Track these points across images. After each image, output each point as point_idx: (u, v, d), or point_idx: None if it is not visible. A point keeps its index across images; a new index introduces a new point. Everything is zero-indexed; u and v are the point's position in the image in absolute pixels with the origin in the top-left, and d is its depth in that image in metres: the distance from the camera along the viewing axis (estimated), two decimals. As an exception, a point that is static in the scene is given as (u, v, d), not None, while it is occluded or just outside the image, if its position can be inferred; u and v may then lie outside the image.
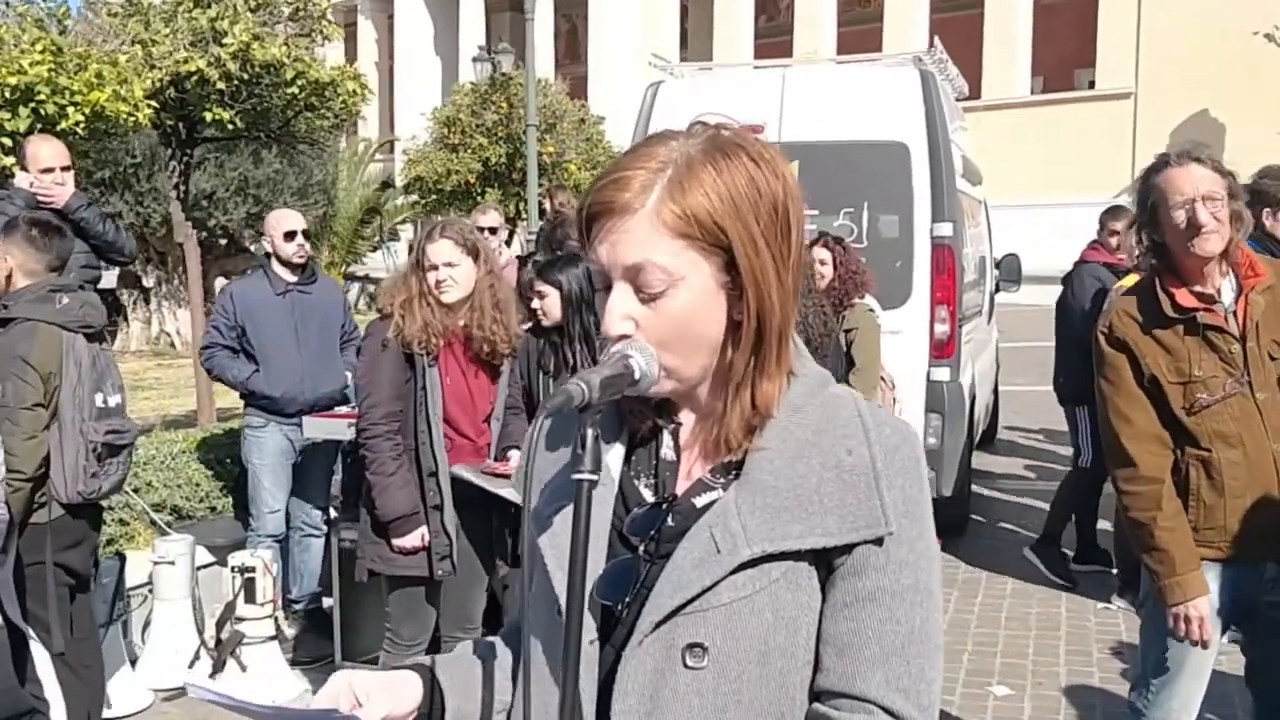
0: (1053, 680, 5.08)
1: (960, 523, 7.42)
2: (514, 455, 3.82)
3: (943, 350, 6.77)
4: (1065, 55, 30.08)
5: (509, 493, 3.68)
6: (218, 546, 5.59)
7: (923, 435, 6.77)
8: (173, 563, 5.02)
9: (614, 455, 1.34)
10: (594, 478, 1.19)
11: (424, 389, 3.81)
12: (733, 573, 1.21)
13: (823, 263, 5.68)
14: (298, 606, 5.64)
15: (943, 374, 6.79)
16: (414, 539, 3.85)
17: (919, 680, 1.23)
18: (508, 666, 1.46)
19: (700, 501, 1.27)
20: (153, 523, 5.67)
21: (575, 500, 1.19)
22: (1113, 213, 6.42)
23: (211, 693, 1.33)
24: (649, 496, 1.31)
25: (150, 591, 5.13)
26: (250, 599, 4.96)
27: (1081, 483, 6.45)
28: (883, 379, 5.95)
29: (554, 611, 1.26)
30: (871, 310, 5.76)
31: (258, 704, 1.30)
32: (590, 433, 1.19)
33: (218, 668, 4.94)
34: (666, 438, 1.33)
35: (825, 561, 1.24)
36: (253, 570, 4.96)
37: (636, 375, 1.22)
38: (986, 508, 8.10)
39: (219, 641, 5.06)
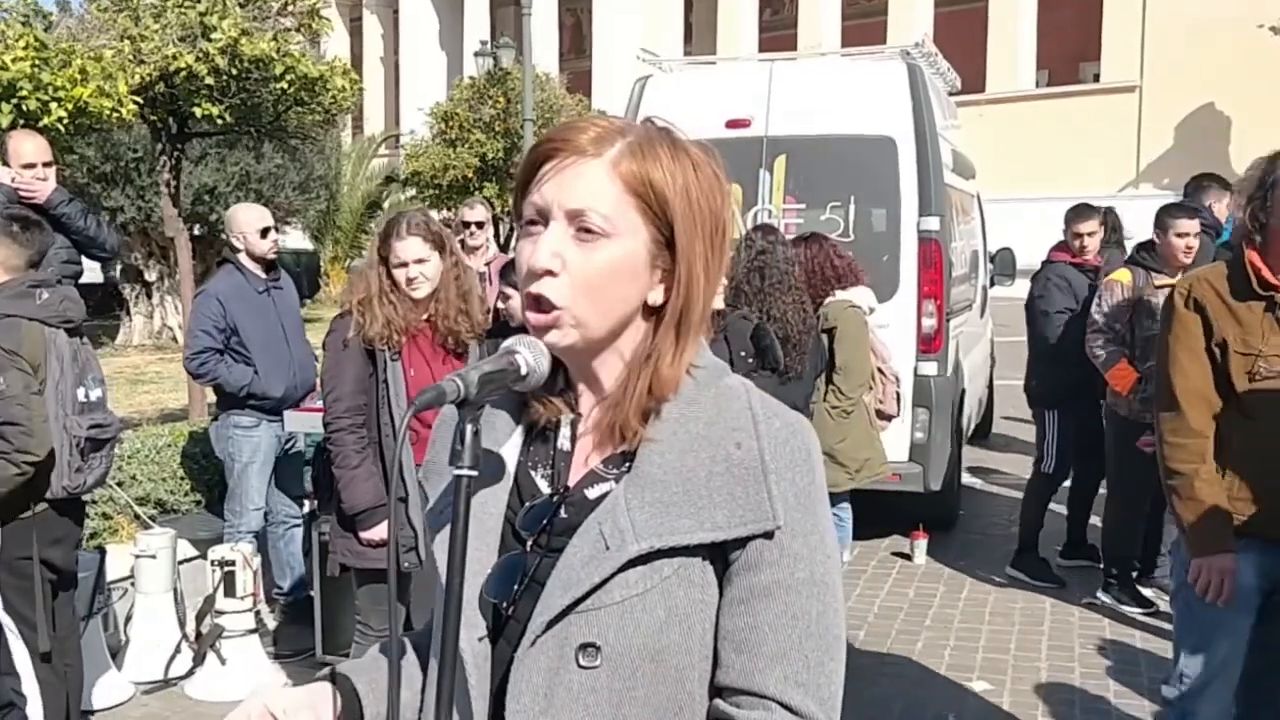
0: (1033, 676, 5.07)
1: (949, 517, 7.42)
2: None
3: (930, 344, 6.76)
4: (1070, 48, 29.98)
5: None
6: (200, 540, 5.61)
7: (910, 430, 6.76)
8: (154, 556, 5.04)
9: (511, 446, 1.34)
10: (473, 473, 1.19)
11: (386, 383, 3.81)
12: (623, 570, 1.21)
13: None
14: (286, 598, 5.65)
15: (930, 368, 6.78)
16: (380, 531, 3.86)
17: (818, 674, 1.23)
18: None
19: (592, 493, 1.27)
20: (136, 516, 5.68)
21: (454, 495, 1.20)
22: (1078, 212, 6.35)
23: None
24: (545, 488, 1.31)
25: (132, 585, 5.15)
26: (230, 592, 4.97)
27: (1043, 487, 6.46)
28: (882, 372, 5.91)
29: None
30: (854, 306, 5.67)
31: None
32: (469, 428, 1.19)
33: (198, 661, 4.96)
34: (564, 428, 1.33)
35: (721, 556, 1.24)
36: (232, 564, 4.96)
37: (523, 371, 1.22)
38: (978, 502, 8.10)
39: (199, 635, 5.08)
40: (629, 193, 1.23)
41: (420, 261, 3.78)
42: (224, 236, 18.46)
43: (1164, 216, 5.60)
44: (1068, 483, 6.57)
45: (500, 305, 4.30)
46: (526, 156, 1.29)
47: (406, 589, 4.00)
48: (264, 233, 5.43)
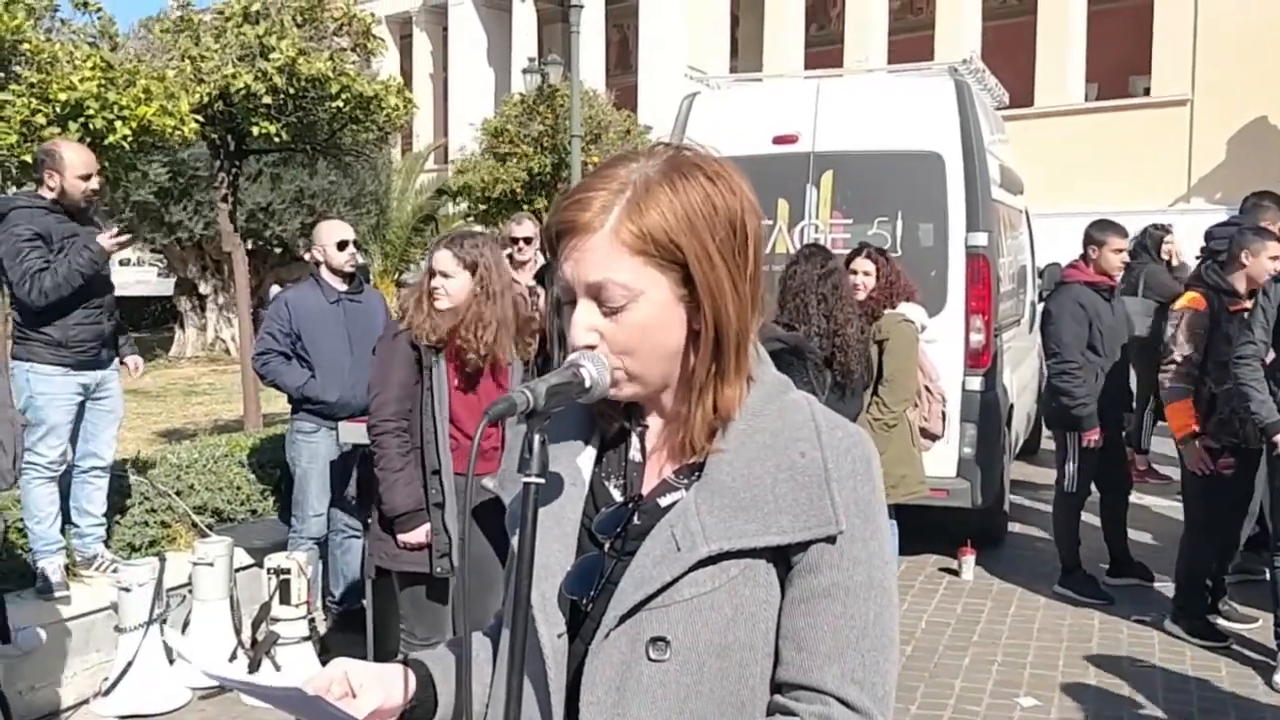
0: (1081, 692, 5.05)
1: (997, 533, 7.39)
2: None
3: (978, 360, 6.76)
4: (1120, 62, 29.68)
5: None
6: (256, 548, 5.72)
7: (958, 445, 6.75)
8: (211, 564, 5.16)
9: (585, 457, 1.41)
10: (540, 481, 1.26)
11: (431, 390, 3.95)
12: (693, 569, 1.27)
13: (866, 273, 5.67)
14: (340, 607, 5.75)
15: (978, 383, 6.78)
16: (419, 535, 3.98)
17: (873, 672, 1.28)
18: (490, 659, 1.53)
19: (664, 501, 1.34)
20: (194, 525, 5.81)
21: (523, 502, 1.27)
22: (1114, 229, 6.30)
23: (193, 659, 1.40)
24: (617, 496, 1.38)
25: (190, 592, 5.26)
26: (285, 600, 5.08)
27: (1067, 507, 6.42)
28: (929, 390, 5.92)
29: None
30: (908, 321, 5.70)
31: (236, 677, 1.38)
32: (537, 438, 1.25)
33: (253, 667, 5.06)
34: (634, 440, 1.40)
35: (783, 559, 1.30)
36: (288, 572, 5.07)
37: (587, 384, 1.28)
38: (1027, 518, 8.06)
39: (255, 641, 5.19)
40: (636, 254, 1.27)
41: (444, 276, 3.96)
42: (277, 250, 18.73)
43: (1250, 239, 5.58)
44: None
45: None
46: (544, 230, 1.36)
47: (445, 592, 4.09)
48: (340, 246, 5.62)
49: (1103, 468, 6.32)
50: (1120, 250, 6.25)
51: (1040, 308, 9.41)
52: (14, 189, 6.76)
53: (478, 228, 21.96)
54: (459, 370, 4.03)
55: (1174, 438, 5.65)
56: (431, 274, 4.00)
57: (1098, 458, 6.23)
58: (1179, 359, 5.55)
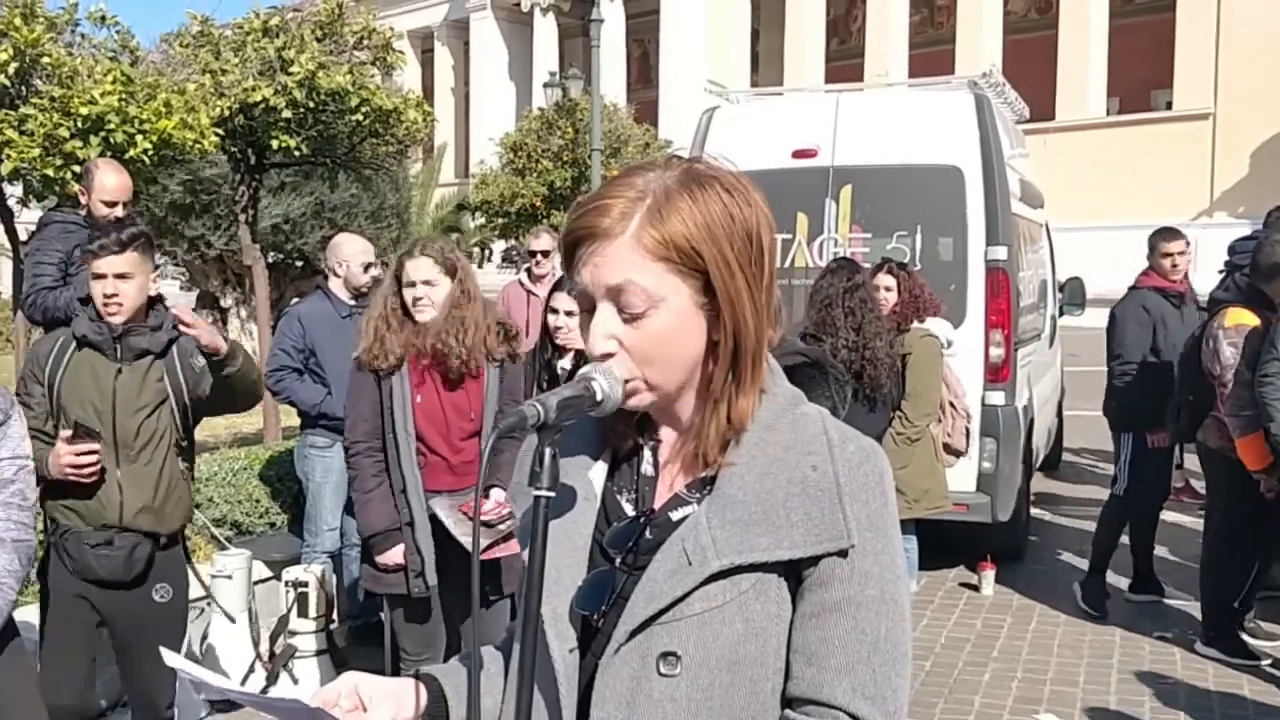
0: (1102, 710, 5.00)
1: (1017, 548, 7.34)
2: (495, 495, 3.83)
3: (997, 374, 6.72)
4: (1142, 76, 29.60)
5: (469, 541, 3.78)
6: (275, 561, 5.72)
7: (977, 460, 6.71)
8: (230, 576, 5.16)
9: (597, 471, 1.40)
10: (550, 494, 1.25)
11: (391, 408, 3.85)
12: (704, 584, 1.26)
13: (888, 289, 5.66)
14: (356, 620, 5.75)
15: (998, 398, 6.73)
16: (395, 555, 3.88)
17: (884, 687, 1.27)
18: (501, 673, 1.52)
19: (676, 515, 1.33)
20: (213, 537, 5.82)
21: (534, 516, 1.25)
22: (1167, 234, 6.26)
23: (194, 676, 1.39)
24: (629, 510, 1.37)
25: (208, 604, 5.27)
26: (303, 613, 5.08)
27: (1119, 510, 6.34)
28: (953, 405, 5.90)
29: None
30: (931, 335, 5.67)
31: (238, 689, 1.37)
32: (548, 451, 1.24)
33: (271, 680, 5.06)
34: (647, 454, 1.39)
35: (795, 573, 1.28)
36: (306, 585, 5.08)
37: (599, 397, 1.27)
38: (1047, 533, 8.00)
39: (273, 654, 5.19)
40: (657, 260, 1.26)
41: (428, 284, 3.83)
42: (298, 264, 18.73)
43: None
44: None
45: (550, 321, 4.32)
46: (561, 238, 1.34)
47: (425, 612, 4.02)
48: (366, 267, 5.61)
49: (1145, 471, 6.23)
50: (1169, 254, 6.20)
51: (1060, 321, 9.41)
52: (35, 202, 6.84)
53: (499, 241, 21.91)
54: (428, 383, 3.92)
55: (1251, 470, 5.34)
56: (405, 285, 3.92)
57: (1158, 460, 6.16)
58: (1249, 380, 5.23)
